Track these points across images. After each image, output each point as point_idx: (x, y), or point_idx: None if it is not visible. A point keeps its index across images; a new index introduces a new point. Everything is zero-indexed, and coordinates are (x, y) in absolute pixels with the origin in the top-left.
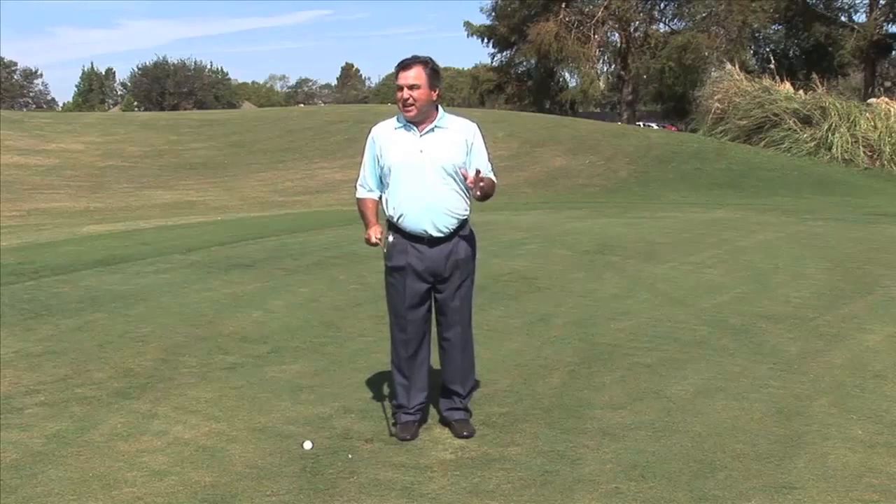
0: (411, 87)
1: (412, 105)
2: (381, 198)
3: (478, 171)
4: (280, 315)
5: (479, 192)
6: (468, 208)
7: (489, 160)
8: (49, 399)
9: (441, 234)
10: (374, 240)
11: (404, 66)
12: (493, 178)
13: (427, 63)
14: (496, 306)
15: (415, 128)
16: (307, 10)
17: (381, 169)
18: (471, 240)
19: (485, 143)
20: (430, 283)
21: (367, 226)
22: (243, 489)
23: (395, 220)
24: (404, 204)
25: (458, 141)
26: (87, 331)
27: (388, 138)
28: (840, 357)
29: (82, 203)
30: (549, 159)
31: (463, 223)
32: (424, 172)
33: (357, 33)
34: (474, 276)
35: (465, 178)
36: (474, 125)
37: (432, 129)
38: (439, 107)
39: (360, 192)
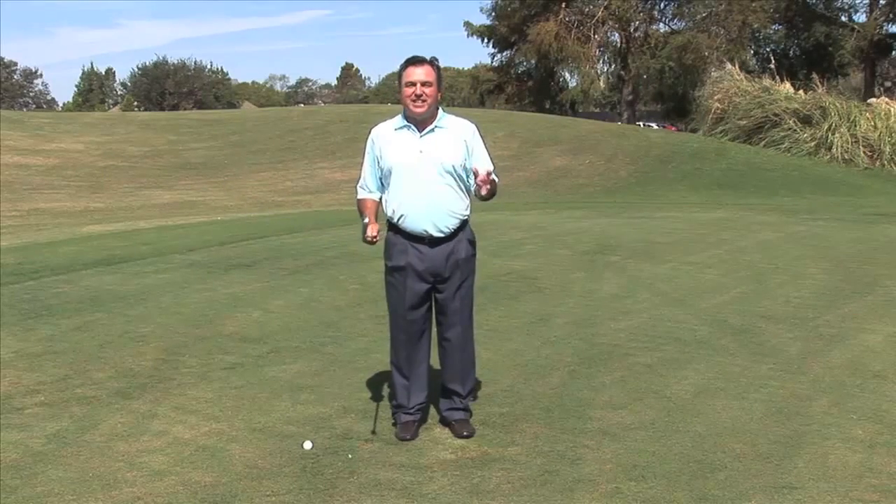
0: (425, 84)
1: (425, 101)
2: (381, 199)
3: (489, 172)
4: (280, 315)
5: (484, 192)
6: (468, 208)
7: (490, 159)
8: (49, 399)
9: (442, 235)
10: (369, 236)
11: (416, 62)
12: (496, 178)
13: (434, 63)
14: (496, 306)
15: (415, 128)
16: (307, 10)
17: (382, 170)
18: (471, 240)
19: (484, 143)
20: (430, 284)
21: (365, 225)
22: (243, 489)
23: (395, 220)
24: (405, 205)
25: (458, 141)
26: (87, 331)
27: (387, 139)
28: (840, 357)
29: (82, 203)
30: (549, 159)
31: (463, 223)
32: (424, 173)
33: (357, 33)
34: (475, 276)
35: (476, 175)
36: (473, 125)
37: (432, 130)
38: (440, 107)
39: (361, 194)
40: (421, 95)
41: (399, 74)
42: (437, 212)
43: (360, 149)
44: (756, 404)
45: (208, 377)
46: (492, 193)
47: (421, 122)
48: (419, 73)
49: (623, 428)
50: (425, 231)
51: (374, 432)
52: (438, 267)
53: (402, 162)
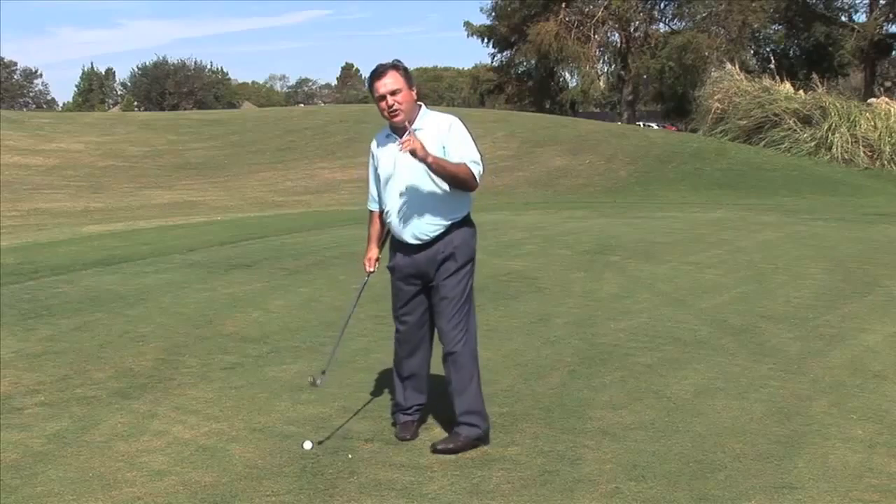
0: (393, 93)
1: (398, 110)
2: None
3: (411, 132)
4: (280, 315)
5: (404, 149)
6: (458, 210)
7: (476, 150)
8: (49, 399)
9: (419, 242)
10: (367, 269)
11: (377, 75)
12: (472, 168)
13: (398, 66)
14: (496, 306)
15: (397, 136)
16: (307, 10)
17: (378, 181)
18: (462, 243)
19: (470, 136)
20: (418, 286)
21: (367, 247)
22: (243, 489)
23: (389, 227)
24: (389, 213)
25: (434, 143)
26: (87, 331)
27: (378, 150)
28: (840, 357)
29: (82, 203)
30: (549, 159)
31: (450, 227)
32: (403, 181)
33: (357, 33)
34: (467, 282)
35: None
36: (452, 119)
37: (414, 132)
38: (422, 106)
39: (369, 205)
40: (392, 106)
41: (369, 90)
42: (414, 220)
43: (360, 149)
44: (756, 404)
45: (208, 377)
46: (443, 172)
47: (401, 130)
48: (385, 84)
49: (623, 428)
50: (405, 239)
51: (314, 382)
52: (424, 269)
53: (389, 171)
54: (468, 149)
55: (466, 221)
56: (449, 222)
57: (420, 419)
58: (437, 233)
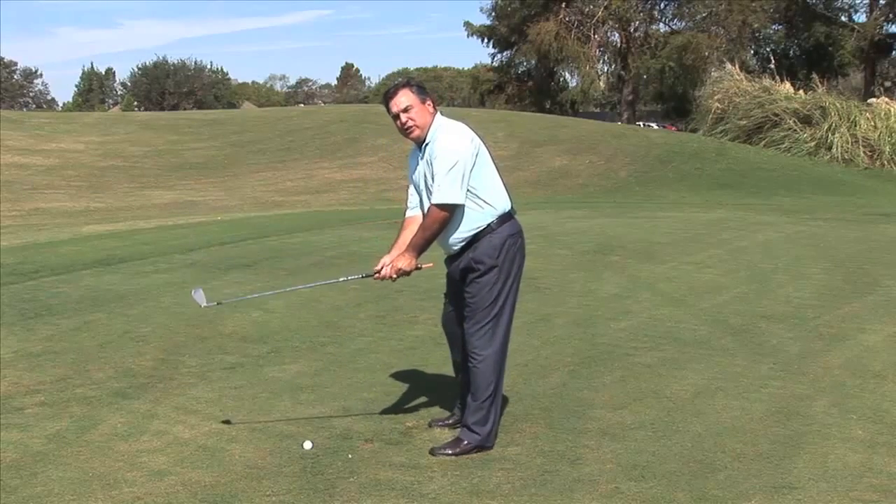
0: (405, 110)
1: (413, 127)
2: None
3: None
4: (280, 315)
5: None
6: (477, 221)
7: (446, 174)
8: (49, 399)
9: (449, 254)
10: (376, 271)
11: (389, 95)
12: (436, 200)
13: (409, 83)
14: None
15: (419, 148)
16: (307, 10)
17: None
18: (484, 253)
19: (452, 156)
20: (455, 288)
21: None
22: (243, 489)
23: None
24: None
25: (426, 160)
26: (87, 331)
27: (410, 163)
28: (840, 357)
29: (82, 203)
30: (549, 159)
31: (472, 238)
32: (426, 199)
33: (357, 33)
34: (491, 290)
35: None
36: (440, 139)
37: (425, 149)
38: (437, 116)
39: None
40: (406, 123)
41: (386, 110)
42: (441, 235)
43: (360, 149)
44: (756, 404)
45: (208, 377)
46: (427, 244)
47: (421, 143)
48: (396, 103)
49: (623, 428)
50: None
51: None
52: (455, 277)
53: (417, 185)
54: (437, 176)
55: (491, 229)
56: (470, 234)
57: (454, 422)
58: (460, 245)
